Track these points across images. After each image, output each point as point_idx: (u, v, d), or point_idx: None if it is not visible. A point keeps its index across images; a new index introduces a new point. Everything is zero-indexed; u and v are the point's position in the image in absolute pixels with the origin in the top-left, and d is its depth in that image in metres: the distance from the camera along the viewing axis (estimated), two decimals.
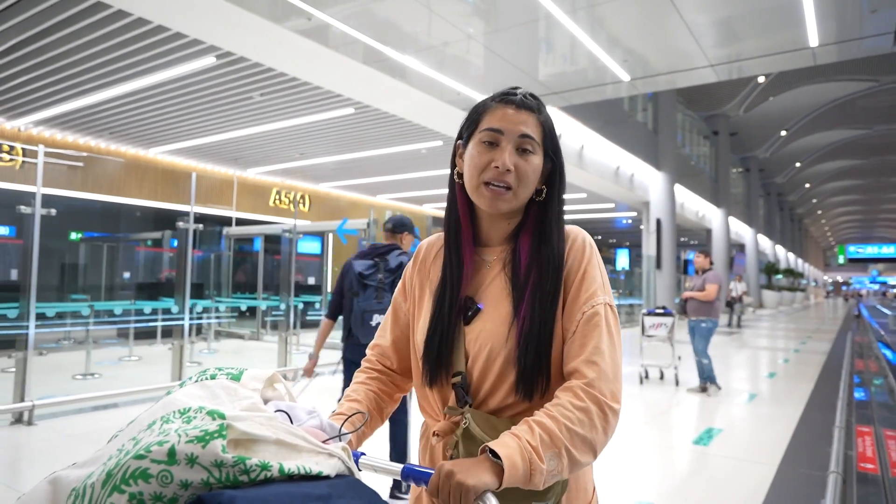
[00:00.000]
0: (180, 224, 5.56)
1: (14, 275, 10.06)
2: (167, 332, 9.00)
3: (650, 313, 7.24)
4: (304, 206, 16.12)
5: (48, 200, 4.30)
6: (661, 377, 7.12)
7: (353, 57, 6.61)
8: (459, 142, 1.05)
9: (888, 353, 9.44)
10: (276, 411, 0.78)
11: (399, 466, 0.84)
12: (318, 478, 0.70)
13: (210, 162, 13.40)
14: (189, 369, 6.17)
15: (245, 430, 0.66)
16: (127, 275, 11.05)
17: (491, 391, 0.96)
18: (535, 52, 7.13)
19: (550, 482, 0.83)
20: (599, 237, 32.03)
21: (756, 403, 5.86)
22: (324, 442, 0.77)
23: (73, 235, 11.63)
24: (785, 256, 41.85)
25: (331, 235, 12.72)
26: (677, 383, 6.73)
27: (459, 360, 0.98)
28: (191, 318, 6.04)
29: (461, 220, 1.04)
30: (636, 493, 3.30)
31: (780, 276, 32.32)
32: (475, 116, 1.02)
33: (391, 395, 1.12)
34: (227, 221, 13.41)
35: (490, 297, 1.00)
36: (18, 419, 4.22)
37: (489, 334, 0.96)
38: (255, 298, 11.20)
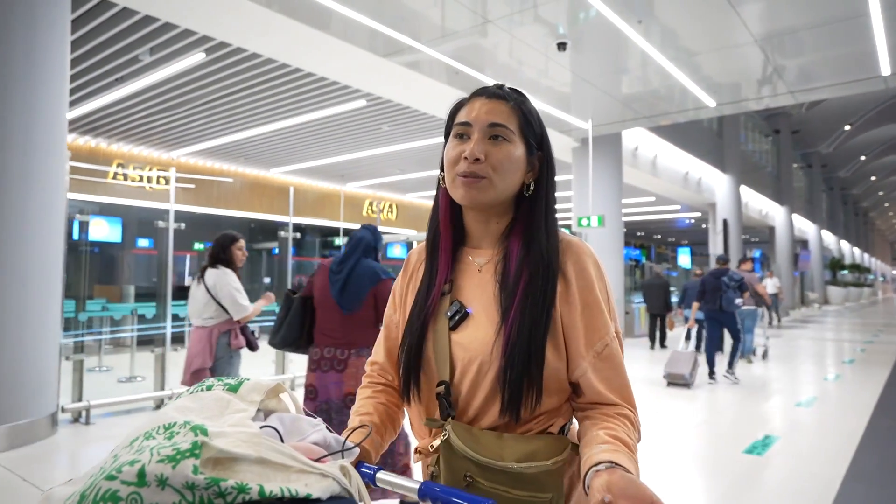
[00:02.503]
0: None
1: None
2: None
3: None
4: (391, 214, 17.72)
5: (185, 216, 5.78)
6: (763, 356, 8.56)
7: (461, 88, 8.01)
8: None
9: None
10: (262, 427, 0.73)
11: (416, 484, 0.78)
12: (307, 501, 0.64)
13: (317, 179, 15.13)
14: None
15: (222, 448, 0.62)
16: (267, 279, 12.81)
17: (482, 409, 0.90)
18: (628, 83, 8.32)
19: None
20: (659, 236, 32.55)
21: (841, 382, 6.90)
22: (322, 458, 0.73)
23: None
24: (850, 251, 41.03)
25: (415, 242, 14.17)
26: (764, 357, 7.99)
27: (443, 369, 0.92)
28: None
29: (440, 221, 1.01)
30: (764, 429, 4.52)
31: (845, 272, 32.00)
32: (451, 115, 1.00)
33: (399, 406, 1.06)
34: (332, 231, 15.13)
35: (481, 301, 0.95)
36: None
37: (479, 344, 0.91)
38: None
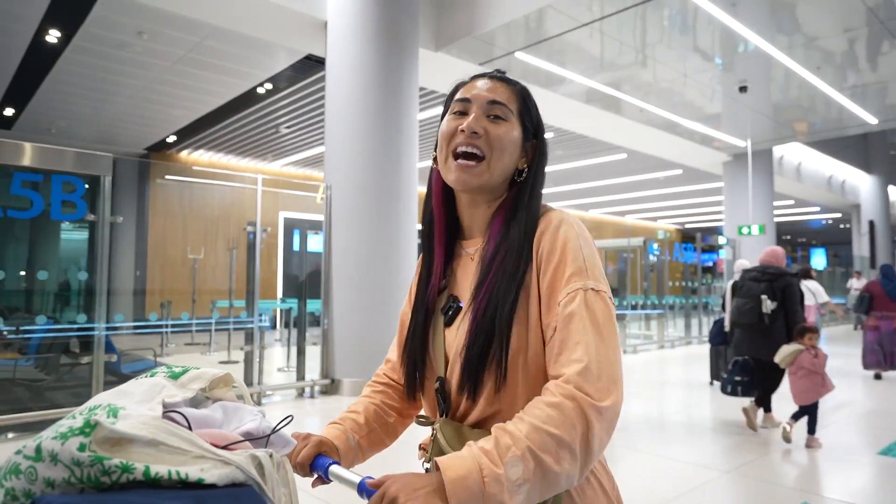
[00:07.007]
0: None
1: None
2: None
3: None
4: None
5: None
6: None
7: (654, 125, 9.50)
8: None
9: None
10: (169, 412, 0.70)
11: (358, 478, 0.76)
12: (199, 485, 0.63)
13: None
14: None
15: (114, 429, 0.62)
16: None
17: (458, 399, 0.87)
18: (788, 107, 9.32)
19: (523, 495, 0.69)
20: (788, 237, 31.59)
21: None
22: (232, 445, 0.70)
23: None
24: None
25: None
26: None
27: (440, 365, 0.90)
28: None
29: (434, 210, 0.97)
30: None
31: None
32: (451, 95, 0.97)
33: (399, 410, 1.03)
34: None
35: (470, 291, 0.90)
36: None
37: (463, 334, 0.87)
38: None
